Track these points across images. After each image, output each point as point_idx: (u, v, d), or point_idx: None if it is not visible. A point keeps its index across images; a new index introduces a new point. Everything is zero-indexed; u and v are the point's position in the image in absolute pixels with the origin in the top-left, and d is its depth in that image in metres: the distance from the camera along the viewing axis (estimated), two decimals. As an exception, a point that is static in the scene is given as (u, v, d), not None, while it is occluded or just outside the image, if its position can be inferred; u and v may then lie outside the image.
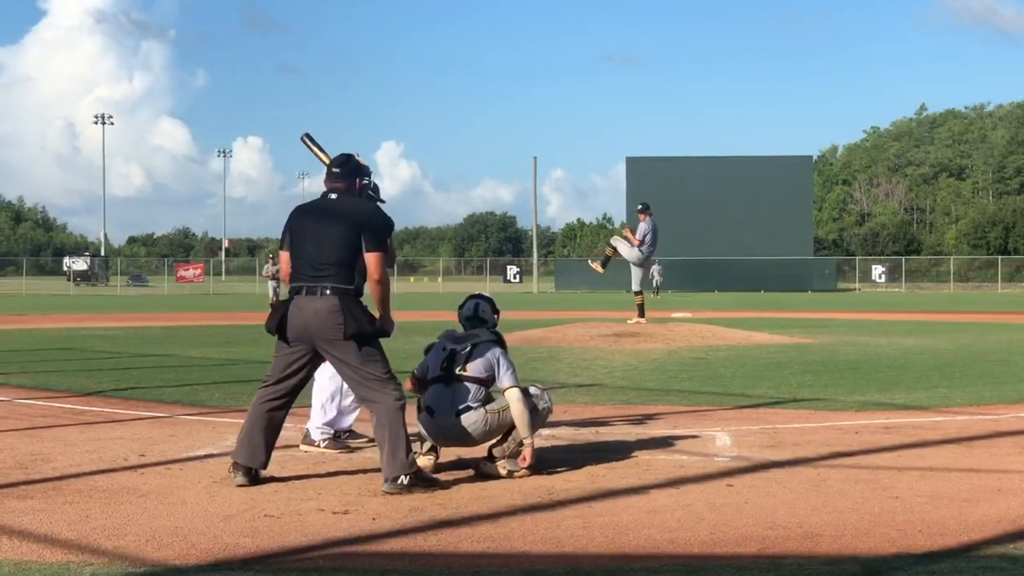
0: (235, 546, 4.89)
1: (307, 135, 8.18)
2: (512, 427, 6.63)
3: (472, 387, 6.63)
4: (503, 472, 6.56)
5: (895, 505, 5.71)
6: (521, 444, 6.61)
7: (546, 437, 8.10)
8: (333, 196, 6.43)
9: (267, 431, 6.32)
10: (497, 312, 7.14)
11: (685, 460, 7.11)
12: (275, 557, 4.74)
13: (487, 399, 6.69)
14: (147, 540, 4.98)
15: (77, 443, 7.82)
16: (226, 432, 8.29)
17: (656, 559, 4.68)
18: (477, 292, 7.33)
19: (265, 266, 41.60)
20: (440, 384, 6.67)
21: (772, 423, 8.92)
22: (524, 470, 6.59)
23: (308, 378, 6.52)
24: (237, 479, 6.24)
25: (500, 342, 6.85)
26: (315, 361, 6.41)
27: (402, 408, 6.16)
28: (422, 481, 6.13)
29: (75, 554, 4.73)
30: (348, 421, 7.76)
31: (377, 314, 6.31)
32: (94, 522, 5.33)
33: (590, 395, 10.99)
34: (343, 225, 6.22)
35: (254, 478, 6.27)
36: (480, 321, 6.98)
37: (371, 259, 6.18)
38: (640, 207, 19.94)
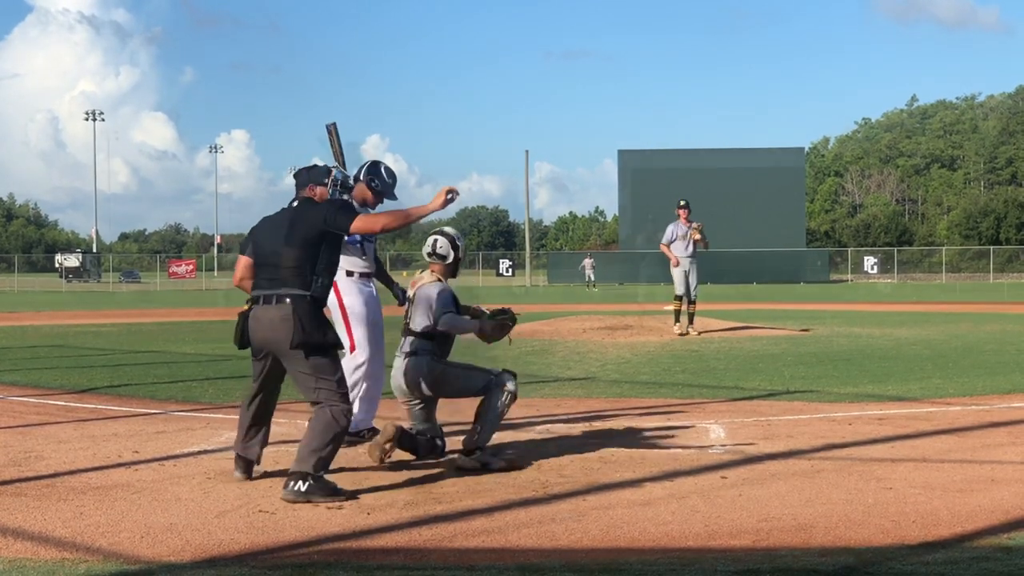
0: (230, 542, 4.89)
1: (333, 125, 8.01)
2: (477, 409, 6.69)
3: (420, 339, 6.71)
4: (477, 464, 6.54)
5: (889, 496, 5.72)
6: (479, 432, 6.65)
7: (540, 431, 8.11)
8: (295, 204, 6.37)
9: (256, 426, 6.31)
10: (456, 247, 7.05)
11: (679, 453, 7.12)
12: (270, 552, 4.74)
13: (434, 350, 6.74)
14: (142, 536, 4.98)
15: (70, 440, 7.81)
16: (220, 428, 8.29)
17: (651, 552, 4.69)
18: (437, 228, 7.22)
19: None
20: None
21: (766, 415, 8.93)
22: (502, 463, 6.59)
23: (282, 378, 6.30)
24: (236, 473, 6.27)
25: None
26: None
27: (342, 426, 5.87)
28: (322, 490, 5.77)
29: (70, 551, 4.73)
30: (368, 421, 7.59)
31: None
32: (88, 519, 5.33)
33: (584, 388, 10.99)
34: (297, 226, 6.03)
35: (250, 471, 6.29)
36: (439, 258, 6.98)
37: (359, 224, 5.97)
38: (683, 204, 18.30)
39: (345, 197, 6.55)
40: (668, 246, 18.03)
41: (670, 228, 18.13)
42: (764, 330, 19.44)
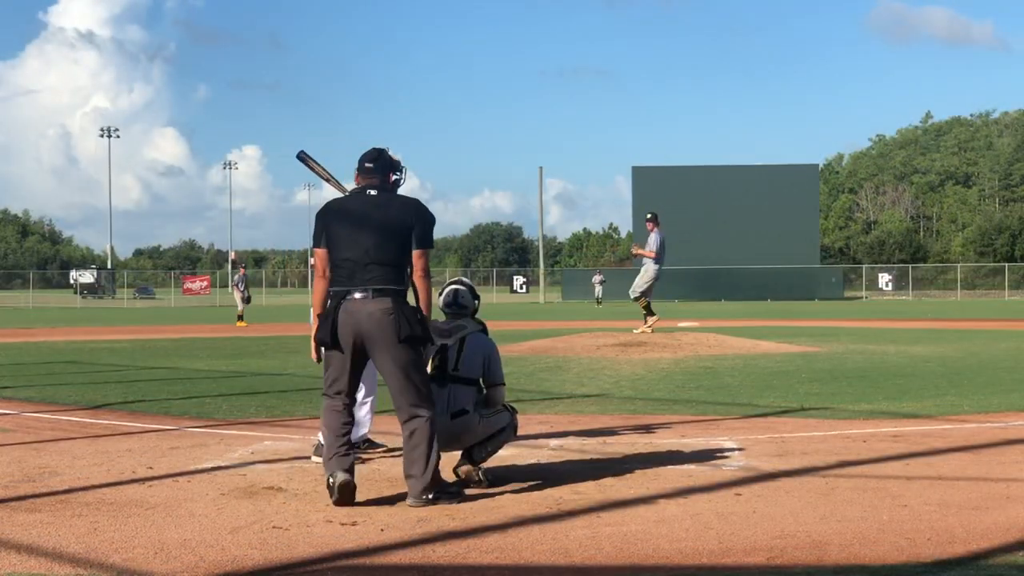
0: (243, 558, 4.89)
1: (303, 152, 8.04)
2: (494, 433, 6.59)
3: (466, 388, 6.52)
4: (476, 477, 6.50)
5: (904, 513, 5.70)
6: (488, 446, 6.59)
7: (554, 448, 8.10)
8: (373, 192, 6.20)
9: (343, 433, 6.15)
10: (477, 298, 6.94)
11: (693, 469, 7.10)
12: (283, 569, 4.74)
13: (479, 400, 6.58)
14: (155, 553, 4.98)
15: (85, 456, 7.83)
16: (234, 444, 8.29)
17: (664, 569, 4.68)
18: (455, 278, 7.12)
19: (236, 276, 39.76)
20: (432, 383, 6.41)
21: (780, 432, 8.90)
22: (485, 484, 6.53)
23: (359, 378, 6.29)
24: (340, 477, 5.98)
25: (486, 331, 6.76)
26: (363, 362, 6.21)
27: (435, 423, 6.12)
28: (445, 494, 6.08)
29: (83, 568, 4.73)
30: (363, 431, 7.68)
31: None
32: (102, 535, 5.34)
33: (598, 405, 10.99)
34: (393, 224, 6.07)
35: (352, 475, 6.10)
36: (460, 308, 6.82)
37: (419, 256, 6.09)
38: (649, 216, 20.18)
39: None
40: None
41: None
42: (778, 347, 19.39)
